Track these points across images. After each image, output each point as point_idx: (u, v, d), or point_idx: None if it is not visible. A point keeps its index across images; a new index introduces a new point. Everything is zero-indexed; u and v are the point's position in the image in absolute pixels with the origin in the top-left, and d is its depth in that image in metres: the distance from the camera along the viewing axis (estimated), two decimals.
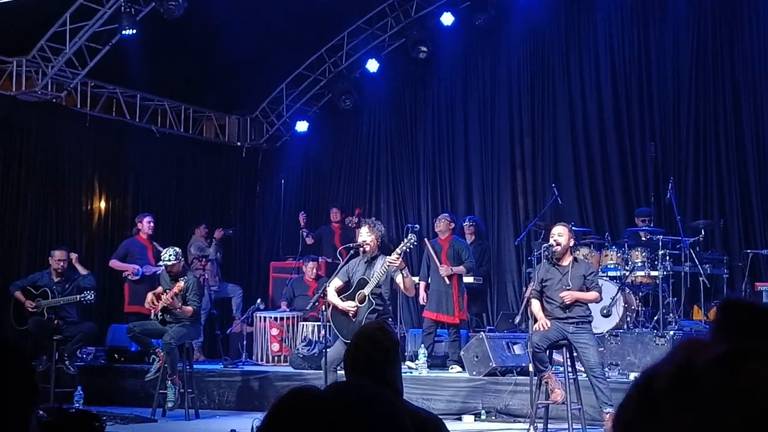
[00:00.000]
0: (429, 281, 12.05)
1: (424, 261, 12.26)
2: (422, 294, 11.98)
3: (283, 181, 16.03)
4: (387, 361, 3.97)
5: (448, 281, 11.83)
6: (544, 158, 14.77)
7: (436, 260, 11.94)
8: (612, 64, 14.31)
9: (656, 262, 11.20)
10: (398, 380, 4.15)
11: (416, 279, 11.49)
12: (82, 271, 11.80)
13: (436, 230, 12.39)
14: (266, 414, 1.36)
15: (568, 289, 8.73)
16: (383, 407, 1.35)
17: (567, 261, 8.91)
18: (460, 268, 12.04)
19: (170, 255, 10.54)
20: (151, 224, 13.00)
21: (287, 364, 12.30)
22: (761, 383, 0.85)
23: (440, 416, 4.63)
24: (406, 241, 9.08)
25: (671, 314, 11.17)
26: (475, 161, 15.33)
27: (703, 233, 11.81)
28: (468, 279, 12.52)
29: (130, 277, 12.82)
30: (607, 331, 10.80)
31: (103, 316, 13.34)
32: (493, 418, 9.97)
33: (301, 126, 16.51)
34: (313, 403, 1.33)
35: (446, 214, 12.72)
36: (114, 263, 13.05)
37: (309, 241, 14.43)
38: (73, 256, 11.82)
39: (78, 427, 2.14)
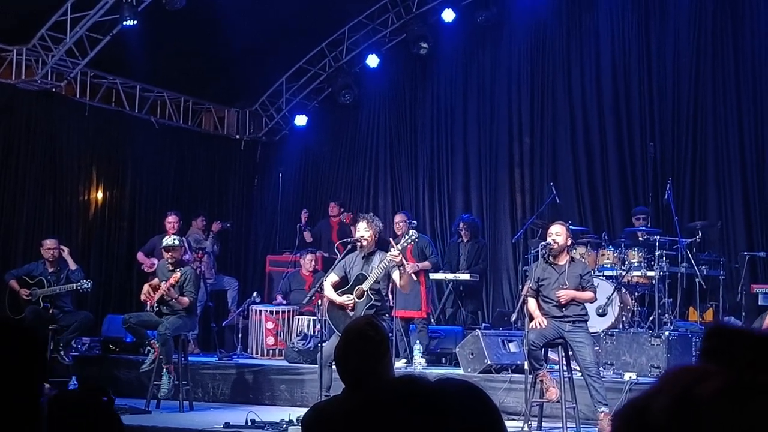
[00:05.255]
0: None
1: None
2: None
3: (281, 175, 16.02)
4: (378, 355, 3.93)
5: (415, 277, 11.71)
6: (543, 156, 14.75)
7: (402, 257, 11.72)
8: (612, 65, 14.29)
9: (653, 263, 11.18)
10: (390, 375, 4.13)
11: (414, 276, 11.36)
12: (72, 265, 11.71)
13: (397, 230, 11.90)
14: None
15: (565, 288, 8.74)
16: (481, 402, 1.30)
17: (564, 260, 8.91)
18: (426, 264, 11.90)
19: (174, 239, 10.76)
20: (174, 225, 12.76)
21: (282, 357, 12.27)
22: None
23: None
24: (407, 237, 9.02)
25: (667, 315, 11.15)
26: (474, 158, 15.31)
27: (700, 234, 11.79)
28: (464, 276, 12.47)
29: (145, 269, 13.12)
30: (603, 331, 10.78)
31: (99, 306, 13.35)
32: None
33: (301, 120, 16.49)
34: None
35: (403, 213, 12.44)
36: (139, 255, 13.55)
37: (308, 238, 14.38)
38: (65, 249, 11.76)
39: (85, 403, 2.12)
